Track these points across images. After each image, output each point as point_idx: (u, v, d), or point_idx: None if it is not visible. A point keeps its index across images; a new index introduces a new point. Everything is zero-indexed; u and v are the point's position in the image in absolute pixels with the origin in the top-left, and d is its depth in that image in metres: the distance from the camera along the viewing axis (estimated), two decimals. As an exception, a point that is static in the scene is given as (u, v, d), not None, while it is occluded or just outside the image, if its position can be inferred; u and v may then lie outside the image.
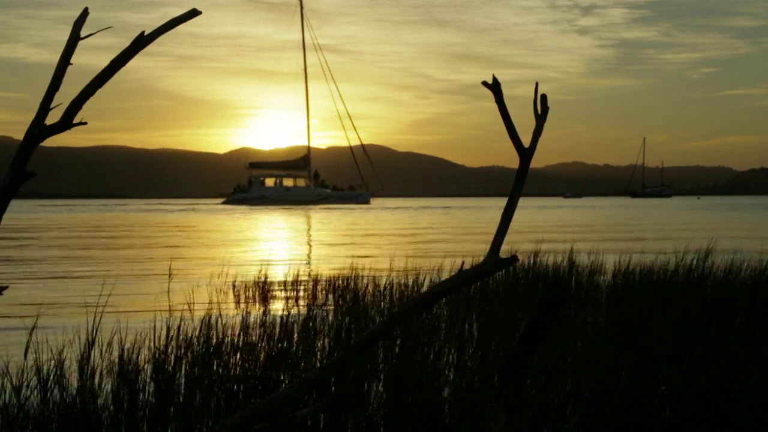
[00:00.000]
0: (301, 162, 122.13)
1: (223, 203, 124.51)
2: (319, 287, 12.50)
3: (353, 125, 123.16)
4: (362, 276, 11.69)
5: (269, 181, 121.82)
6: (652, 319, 7.27)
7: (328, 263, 16.73)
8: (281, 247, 29.35)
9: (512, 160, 3.64)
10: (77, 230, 44.53)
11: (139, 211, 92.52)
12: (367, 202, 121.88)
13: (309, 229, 43.94)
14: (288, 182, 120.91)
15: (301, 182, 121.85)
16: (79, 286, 15.46)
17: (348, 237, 35.73)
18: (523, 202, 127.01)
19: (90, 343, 5.34)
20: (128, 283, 15.98)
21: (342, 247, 27.61)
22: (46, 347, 5.21)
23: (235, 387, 5.53)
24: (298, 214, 73.96)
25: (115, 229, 44.69)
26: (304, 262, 20.99)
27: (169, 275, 14.54)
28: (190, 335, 5.80)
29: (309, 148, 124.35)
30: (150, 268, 20.38)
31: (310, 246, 29.54)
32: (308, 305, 8.84)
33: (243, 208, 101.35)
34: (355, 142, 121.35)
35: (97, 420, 5.06)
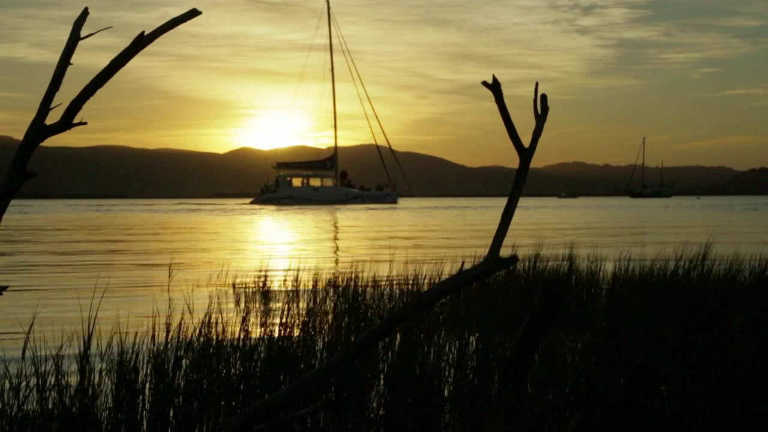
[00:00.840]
0: (327, 162, 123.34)
1: (251, 203, 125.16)
2: (367, 288, 12.13)
3: (381, 127, 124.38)
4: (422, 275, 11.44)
5: (296, 181, 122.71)
6: (652, 319, 7.27)
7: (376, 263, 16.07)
8: (333, 246, 29.20)
9: (512, 160, 3.64)
10: (106, 231, 44.01)
11: (167, 211, 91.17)
12: (394, 201, 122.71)
13: (351, 229, 44.30)
14: (315, 182, 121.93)
15: (328, 182, 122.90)
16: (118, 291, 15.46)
17: (388, 235, 36.15)
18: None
19: (89, 343, 5.34)
20: (185, 283, 15.93)
21: (389, 247, 27.24)
22: (45, 347, 5.20)
23: (235, 387, 5.53)
24: (332, 213, 74.32)
25: (150, 231, 43.25)
26: (353, 260, 20.58)
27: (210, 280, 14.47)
28: (189, 335, 5.80)
29: (336, 148, 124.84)
30: (202, 276, 20.34)
31: (356, 244, 29.59)
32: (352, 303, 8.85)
33: (272, 207, 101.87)
34: (382, 143, 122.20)
35: (96, 420, 5.06)
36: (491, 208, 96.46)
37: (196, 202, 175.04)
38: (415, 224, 50.45)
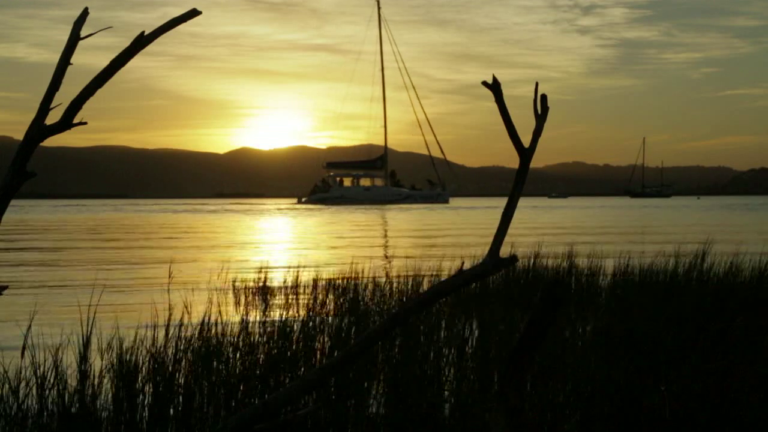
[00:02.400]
0: (377, 162, 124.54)
1: (301, 202, 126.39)
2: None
3: (432, 130, 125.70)
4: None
5: (346, 181, 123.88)
6: (652, 319, 7.27)
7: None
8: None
9: (512, 160, 3.63)
10: (151, 231, 43.74)
11: (219, 211, 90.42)
12: (446, 201, 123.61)
13: (436, 226, 44.50)
14: (365, 182, 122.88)
15: (378, 181, 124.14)
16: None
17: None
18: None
19: (88, 343, 5.34)
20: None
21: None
22: (44, 347, 5.21)
23: (235, 387, 5.53)
24: (400, 213, 74.90)
25: (209, 234, 41.03)
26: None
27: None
28: (190, 335, 5.80)
29: (386, 148, 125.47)
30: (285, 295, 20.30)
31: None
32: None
33: (325, 207, 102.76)
34: (433, 145, 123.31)
35: (96, 420, 5.06)
36: (538, 208, 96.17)
37: (232, 202, 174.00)
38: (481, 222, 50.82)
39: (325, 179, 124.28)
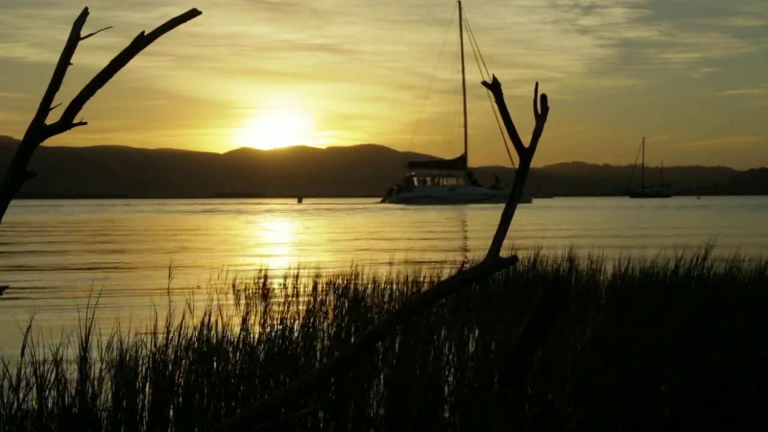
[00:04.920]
0: (458, 161, 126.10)
1: (384, 202, 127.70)
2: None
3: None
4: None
5: (428, 180, 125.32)
6: (652, 319, 7.27)
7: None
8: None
9: (470, 160, 3.63)
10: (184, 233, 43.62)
11: (305, 211, 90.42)
12: (529, 201, 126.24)
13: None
14: (447, 181, 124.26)
15: (460, 181, 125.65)
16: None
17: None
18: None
19: (88, 343, 5.33)
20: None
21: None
22: (44, 347, 5.20)
23: (235, 387, 5.53)
24: (485, 212, 75.48)
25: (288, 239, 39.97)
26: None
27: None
28: (189, 335, 5.79)
29: (466, 147, 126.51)
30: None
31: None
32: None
33: (411, 207, 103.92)
34: (512, 148, 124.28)
35: (96, 420, 5.06)
36: (612, 208, 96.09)
37: (335, 203, 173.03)
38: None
39: (407, 179, 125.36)
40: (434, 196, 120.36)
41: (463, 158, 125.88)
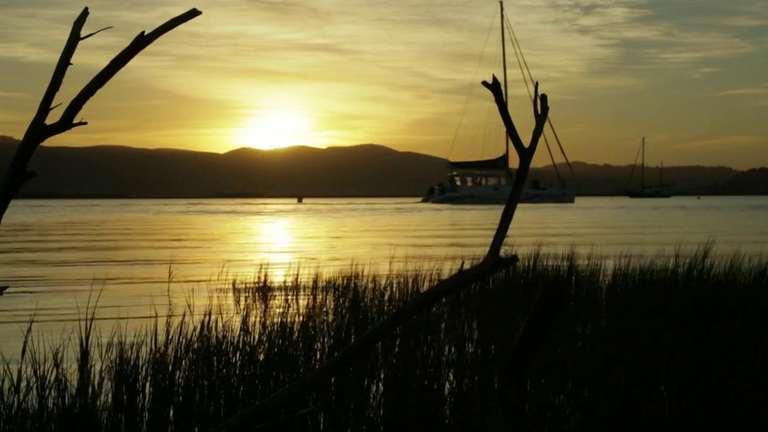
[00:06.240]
0: (500, 161, 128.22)
1: (429, 202, 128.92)
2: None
3: (558, 142, 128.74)
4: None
5: (469, 180, 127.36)
6: (652, 319, 7.27)
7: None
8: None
9: (512, 160, 3.64)
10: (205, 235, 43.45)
11: (348, 210, 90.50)
12: (572, 200, 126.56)
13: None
14: (488, 181, 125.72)
15: (502, 180, 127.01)
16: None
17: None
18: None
19: (88, 343, 5.33)
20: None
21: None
22: (44, 347, 5.20)
23: (236, 387, 5.53)
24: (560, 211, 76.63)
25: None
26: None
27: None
28: (189, 335, 5.79)
29: (507, 146, 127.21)
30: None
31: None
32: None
33: (455, 207, 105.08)
34: (555, 149, 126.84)
35: (96, 420, 5.06)
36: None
37: (375, 202, 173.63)
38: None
39: (451, 178, 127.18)
40: (477, 196, 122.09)
41: (504, 158, 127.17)
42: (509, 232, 3.70)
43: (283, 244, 32.33)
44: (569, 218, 61.30)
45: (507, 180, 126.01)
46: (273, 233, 42.38)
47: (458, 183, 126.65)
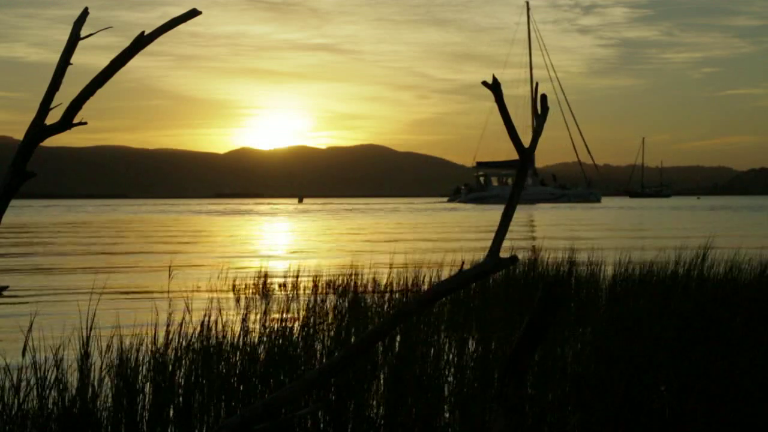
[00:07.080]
0: None
1: (452, 201, 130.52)
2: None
3: (586, 145, 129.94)
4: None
5: (494, 180, 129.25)
6: (652, 319, 7.27)
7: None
8: None
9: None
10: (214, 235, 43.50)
11: (369, 211, 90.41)
12: (598, 200, 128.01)
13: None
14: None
15: (528, 181, 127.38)
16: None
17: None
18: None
19: (88, 343, 5.33)
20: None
21: None
22: (44, 346, 5.20)
23: (236, 386, 5.53)
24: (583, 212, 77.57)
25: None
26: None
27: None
28: (190, 334, 5.79)
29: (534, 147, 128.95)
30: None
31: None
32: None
33: (482, 206, 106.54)
34: (581, 150, 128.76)
35: (96, 420, 5.06)
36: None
37: (392, 202, 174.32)
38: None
39: (477, 178, 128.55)
40: (504, 196, 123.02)
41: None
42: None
43: (355, 247, 30.13)
44: (603, 218, 61.87)
45: (534, 179, 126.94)
46: (309, 234, 41.30)
47: (482, 182, 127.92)
